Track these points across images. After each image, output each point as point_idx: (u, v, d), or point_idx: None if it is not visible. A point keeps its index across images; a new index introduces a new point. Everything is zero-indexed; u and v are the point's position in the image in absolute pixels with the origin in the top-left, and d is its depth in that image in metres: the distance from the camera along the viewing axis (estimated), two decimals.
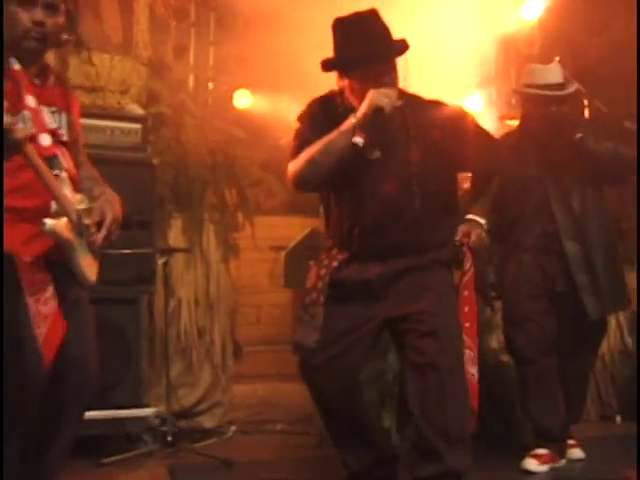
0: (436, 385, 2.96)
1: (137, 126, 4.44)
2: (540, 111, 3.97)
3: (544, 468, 3.84)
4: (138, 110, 4.62)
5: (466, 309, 3.48)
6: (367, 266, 3.10)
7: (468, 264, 3.47)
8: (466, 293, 3.48)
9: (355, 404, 3.24)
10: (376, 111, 2.93)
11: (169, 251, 4.51)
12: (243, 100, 6.24)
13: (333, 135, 2.97)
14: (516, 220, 4.00)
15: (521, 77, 4.25)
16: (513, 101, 5.55)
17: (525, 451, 3.90)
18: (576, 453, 4.07)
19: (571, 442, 4.09)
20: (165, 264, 4.35)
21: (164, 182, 4.75)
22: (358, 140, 2.92)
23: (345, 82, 3.06)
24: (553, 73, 4.06)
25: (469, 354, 3.44)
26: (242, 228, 5.06)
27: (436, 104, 3.17)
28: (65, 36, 2.68)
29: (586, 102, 5.42)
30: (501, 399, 4.14)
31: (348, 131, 2.95)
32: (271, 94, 6.07)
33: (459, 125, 3.11)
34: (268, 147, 5.30)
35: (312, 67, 3.17)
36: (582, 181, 4.00)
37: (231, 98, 6.23)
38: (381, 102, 2.93)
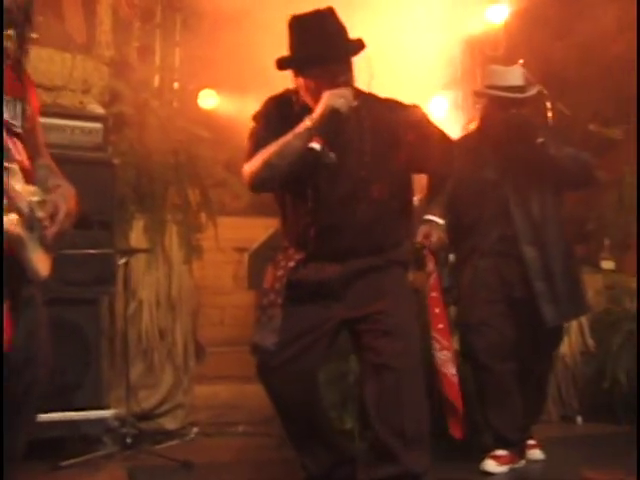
0: (392, 386, 2.95)
1: (98, 126, 4.41)
2: (500, 113, 3.95)
3: (503, 469, 3.84)
4: (99, 109, 4.58)
5: (437, 310, 3.45)
6: (324, 266, 3.08)
7: (431, 266, 3.45)
8: (434, 294, 3.46)
9: (313, 406, 3.22)
10: (332, 113, 2.90)
11: (130, 252, 4.48)
12: (208, 100, 6.25)
13: (288, 137, 2.94)
14: (474, 224, 3.96)
15: (483, 78, 4.23)
16: (478, 106, 5.58)
17: (484, 452, 3.90)
18: (536, 454, 4.09)
19: (531, 442, 4.11)
20: (126, 265, 4.32)
21: (126, 182, 4.73)
22: (315, 146, 2.88)
23: (300, 81, 3.04)
24: (514, 75, 4.04)
25: (446, 355, 3.43)
26: (205, 229, 5.03)
27: (392, 104, 3.15)
28: (22, 16, 2.58)
29: (549, 105, 5.44)
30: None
31: (303, 134, 2.92)
32: (237, 94, 6.07)
33: (415, 125, 3.09)
34: (233, 148, 5.28)
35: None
36: (541, 186, 3.97)
37: (196, 98, 6.22)
38: (336, 103, 2.90)
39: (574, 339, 5.15)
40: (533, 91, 4.08)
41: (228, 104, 6.22)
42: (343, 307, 3.09)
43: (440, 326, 3.45)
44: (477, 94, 4.28)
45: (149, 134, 4.88)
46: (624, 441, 4.63)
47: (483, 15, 6.52)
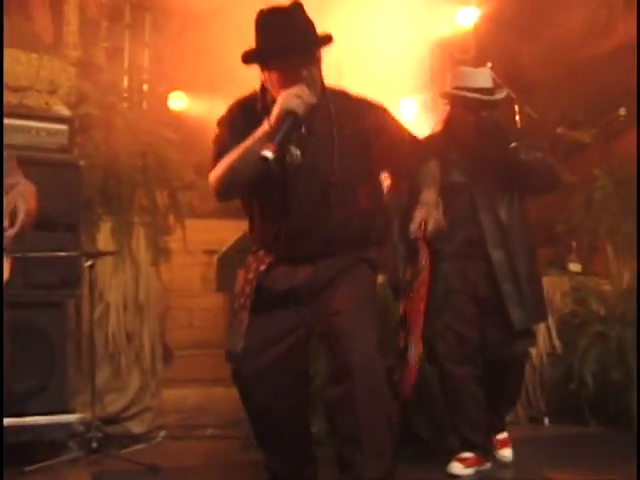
0: (348, 391, 2.86)
1: (63, 127, 4.37)
2: (469, 115, 3.91)
3: (469, 471, 3.83)
4: (65, 111, 4.54)
5: (422, 307, 3.22)
6: (296, 269, 3.04)
7: (424, 261, 3.14)
8: (421, 293, 3.18)
9: (290, 412, 3.12)
10: (288, 115, 2.82)
11: (96, 254, 4.44)
12: (178, 102, 6.22)
13: (249, 142, 2.87)
14: None
15: (451, 80, 4.10)
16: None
17: (451, 455, 3.89)
18: (505, 453, 4.06)
19: (503, 437, 4.08)
20: (92, 267, 4.27)
21: (93, 184, 4.69)
22: (267, 154, 2.75)
23: (266, 75, 2.95)
24: (483, 77, 4.00)
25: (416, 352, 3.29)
26: (173, 231, 5.01)
27: (361, 102, 3.07)
28: None
29: (517, 108, 5.48)
30: (427, 403, 4.15)
31: (262, 138, 2.84)
32: (207, 96, 6.05)
33: (381, 123, 3.03)
34: (203, 150, 5.26)
35: (248, 69, 3.12)
36: (509, 189, 3.96)
37: (166, 100, 6.19)
38: (291, 105, 2.81)
39: (541, 341, 5.16)
40: (503, 94, 4.03)
41: (197, 106, 6.20)
42: (312, 312, 3.03)
43: (417, 323, 3.31)
44: (445, 95, 4.15)
45: (116, 136, 4.85)
46: (591, 442, 4.69)
47: (453, 18, 6.55)
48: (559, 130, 6.29)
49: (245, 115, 3.02)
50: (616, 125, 6.36)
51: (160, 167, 4.98)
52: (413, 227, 2.97)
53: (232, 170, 2.90)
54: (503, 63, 5.80)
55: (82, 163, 4.43)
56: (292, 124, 2.83)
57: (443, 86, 6.11)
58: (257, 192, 3.04)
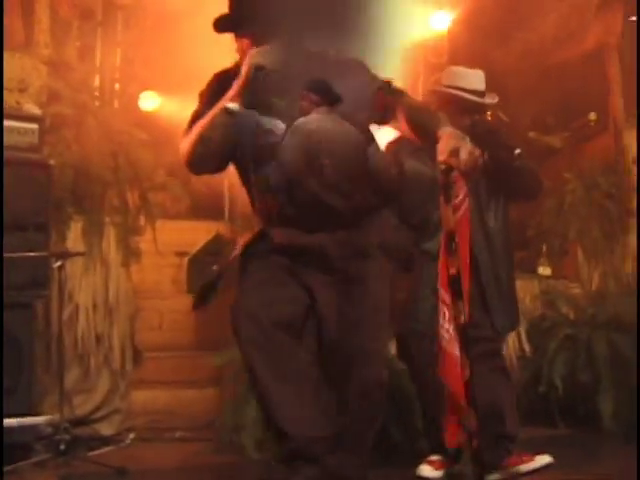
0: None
1: (34, 126, 4.32)
2: (464, 117, 3.75)
3: (439, 474, 3.82)
4: (35, 109, 4.50)
5: (466, 258, 2.91)
6: (306, 234, 2.85)
7: (461, 194, 2.83)
8: (463, 239, 2.86)
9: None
10: (256, 70, 2.73)
11: (66, 254, 4.39)
12: (149, 102, 6.18)
13: (219, 105, 2.76)
14: (422, 227, 3.80)
15: (441, 78, 3.97)
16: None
17: (421, 457, 3.89)
18: (544, 459, 3.90)
19: (527, 457, 3.92)
20: (61, 268, 4.22)
21: (63, 184, 4.65)
22: (231, 106, 2.69)
23: (238, 43, 2.88)
24: (478, 79, 3.92)
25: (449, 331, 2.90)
26: (144, 232, 4.97)
27: (334, 61, 2.91)
28: None
29: (488, 112, 5.49)
30: (399, 406, 4.15)
31: (232, 98, 2.75)
32: (178, 96, 6.02)
33: (350, 75, 2.86)
34: (174, 150, 5.22)
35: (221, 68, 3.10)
36: (496, 193, 3.90)
37: (137, 100, 6.16)
38: (258, 60, 2.73)
39: (511, 344, 5.19)
40: (495, 99, 3.95)
41: (169, 106, 6.17)
42: (318, 290, 2.83)
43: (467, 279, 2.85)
44: (436, 93, 3.95)
45: (87, 135, 4.81)
46: (560, 444, 4.71)
47: (427, 21, 6.56)
48: (531, 134, 6.33)
49: (222, 86, 2.88)
50: (586, 129, 6.41)
51: (131, 167, 4.95)
52: (442, 156, 2.63)
53: (202, 137, 2.78)
54: (476, 67, 5.81)
55: (52, 162, 4.40)
56: (262, 79, 2.73)
57: (416, 89, 6.13)
58: (252, 170, 2.87)
